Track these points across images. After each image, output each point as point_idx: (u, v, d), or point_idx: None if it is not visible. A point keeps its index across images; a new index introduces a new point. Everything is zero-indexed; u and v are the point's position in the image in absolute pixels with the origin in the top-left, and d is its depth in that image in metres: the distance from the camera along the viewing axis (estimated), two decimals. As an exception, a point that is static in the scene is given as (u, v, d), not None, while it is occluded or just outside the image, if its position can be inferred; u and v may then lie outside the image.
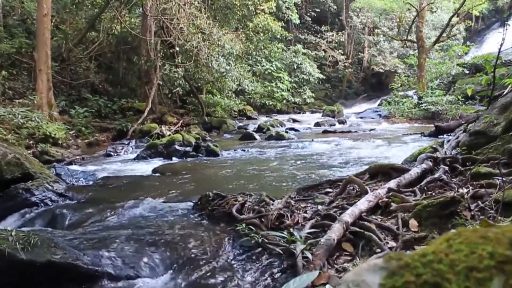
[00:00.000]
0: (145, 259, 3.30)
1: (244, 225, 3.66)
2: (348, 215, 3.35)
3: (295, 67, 30.00)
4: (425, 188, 4.25)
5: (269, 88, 27.03)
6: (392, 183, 4.28)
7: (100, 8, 17.27)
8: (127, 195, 5.76)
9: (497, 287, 0.49)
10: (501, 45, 6.02)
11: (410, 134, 13.79)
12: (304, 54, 31.16)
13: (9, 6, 16.92)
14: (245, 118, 22.39)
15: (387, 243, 3.12)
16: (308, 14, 35.29)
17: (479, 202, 3.47)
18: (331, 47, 35.55)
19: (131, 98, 17.43)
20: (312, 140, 12.61)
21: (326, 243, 2.90)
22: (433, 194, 4.00)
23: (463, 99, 18.19)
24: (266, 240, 3.39)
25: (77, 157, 10.08)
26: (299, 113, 28.34)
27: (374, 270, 0.57)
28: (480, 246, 0.55)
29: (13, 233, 3.06)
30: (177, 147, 10.18)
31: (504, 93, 6.43)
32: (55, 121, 11.88)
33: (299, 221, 3.76)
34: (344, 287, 0.56)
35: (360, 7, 34.26)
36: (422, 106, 19.84)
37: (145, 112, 14.88)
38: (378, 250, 2.99)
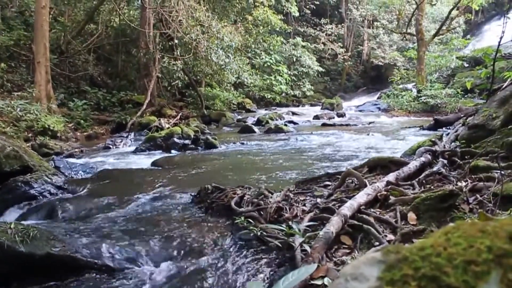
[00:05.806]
0: (144, 252, 3.31)
1: (243, 218, 3.66)
2: (347, 208, 3.35)
3: (294, 60, 29.93)
4: (424, 181, 4.25)
5: (268, 81, 26.97)
6: (391, 176, 4.28)
7: (99, 0, 17.17)
8: (126, 188, 5.77)
9: (495, 281, 0.49)
10: (501, 38, 5.99)
11: (409, 127, 13.81)
12: (303, 47, 31.06)
13: (7, -2, 16.83)
14: (244, 111, 22.36)
15: (386, 236, 3.12)
16: (308, 6, 35.10)
17: (478, 196, 3.47)
18: (330, 40, 35.42)
19: (130, 91, 17.39)
20: (311, 133, 12.63)
21: (325, 236, 2.91)
22: (432, 187, 4.00)
23: (462, 92, 18.19)
24: (264, 233, 3.39)
25: (76, 149, 10.07)
26: (298, 106, 28.30)
27: (372, 263, 0.57)
28: (479, 239, 0.54)
29: (12, 226, 3.06)
30: (176, 140, 10.17)
31: (503, 86, 6.42)
32: (54, 114, 11.85)
33: (298, 214, 3.76)
34: (342, 280, 0.56)
35: (359, -1, 34.19)
36: (421, 99, 19.83)
37: (144, 104, 14.87)
38: (377, 243, 2.99)
